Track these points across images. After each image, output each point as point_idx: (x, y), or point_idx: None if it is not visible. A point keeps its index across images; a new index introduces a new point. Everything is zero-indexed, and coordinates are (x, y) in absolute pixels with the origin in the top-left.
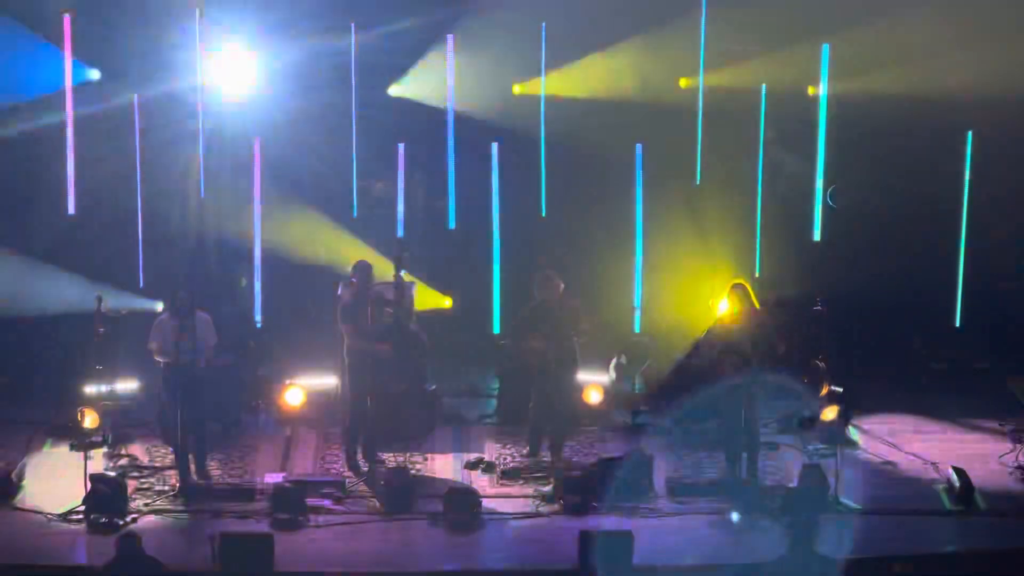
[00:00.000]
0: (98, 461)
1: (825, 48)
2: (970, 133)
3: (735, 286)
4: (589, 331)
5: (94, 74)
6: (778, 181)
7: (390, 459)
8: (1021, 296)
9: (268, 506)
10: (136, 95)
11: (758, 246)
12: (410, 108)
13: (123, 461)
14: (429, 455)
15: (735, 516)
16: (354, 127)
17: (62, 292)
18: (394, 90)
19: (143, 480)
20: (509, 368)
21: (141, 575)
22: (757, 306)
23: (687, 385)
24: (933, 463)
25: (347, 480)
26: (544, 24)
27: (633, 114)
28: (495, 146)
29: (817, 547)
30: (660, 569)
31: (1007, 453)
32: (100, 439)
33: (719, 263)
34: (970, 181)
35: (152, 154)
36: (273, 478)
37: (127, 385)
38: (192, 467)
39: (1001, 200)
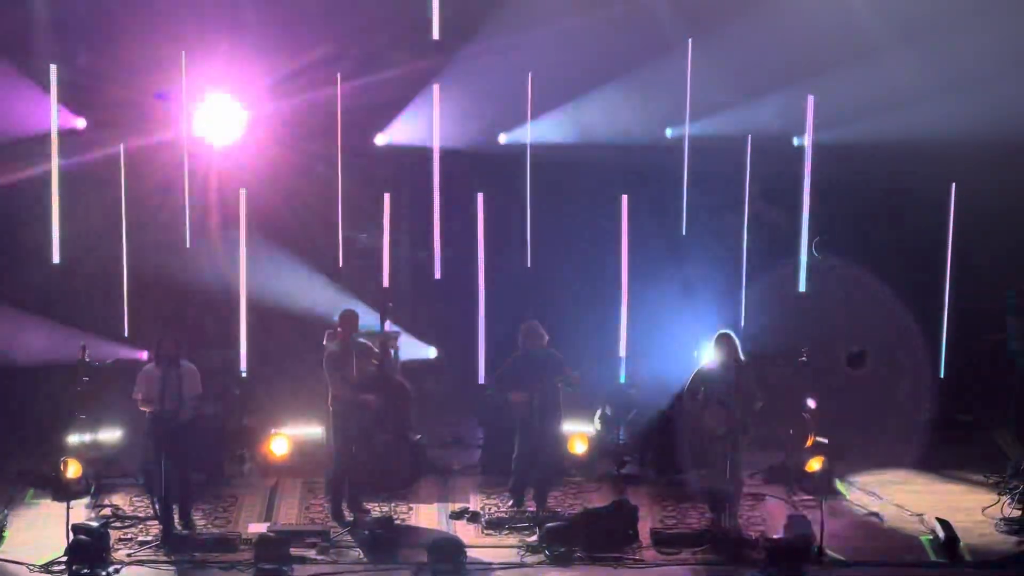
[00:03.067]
0: (80, 511)
1: (810, 99)
2: (954, 184)
3: (720, 336)
4: (576, 381)
5: (80, 123)
6: (762, 233)
7: (375, 509)
8: (1005, 348)
9: (252, 556)
10: (122, 144)
11: (743, 296)
12: (396, 158)
13: (106, 511)
14: (414, 505)
15: None
16: (340, 177)
17: (45, 342)
18: (380, 139)
19: (126, 530)
20: (494, 418)
21: None
22: (741, 357)
23: (672, 436)
24: (918, 514)
25: (331, 530)
26: (530, 74)
27: (619, 164)
28: (480, 196)
29: None
30: None
31: (992, 505)
32: (83, 489)
33: (704, 314)
34: (954, 232)
35: (138, 203)
36: (257, 528)
37: (110, 434)
38: (176, 517)
39: (985, 250)
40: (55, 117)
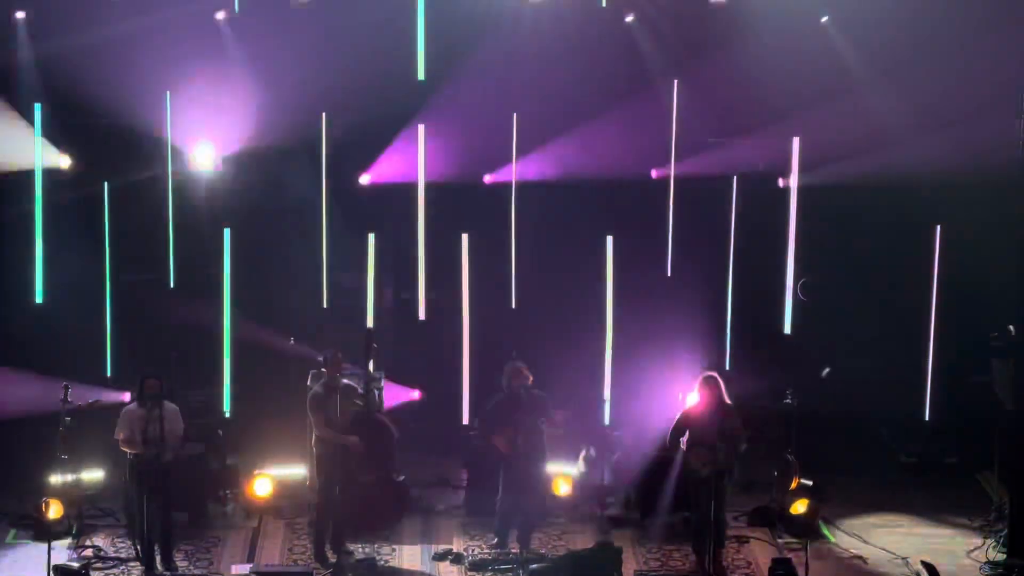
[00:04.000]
0: (62, 552)
1: (795, 141)
2: (939, 227)
3: (706, 378)
4: (560, 423)
5: (64, 161)
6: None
7: (358, 550)
8: (990, 391)
9: None
10: (107, 183)
11: (728, 338)
12: (381, 198)
13: (88, 552)
14: (397, 546)
15: None
16: (324, 216)
17: (28, 394)
18: (365, 179)
19: (108, 571)
20: (478, 459)
21: None
22: (727, 400)
23: (656, 478)
24: (903, 557)
25: (314, 571)
26: (515, 114)
27: (604, 203)
28: (465, 237)
29: None
30: None
31: (976, 548)
32: (64, 530)
33: (689, 355)
34: (939, 274)
35: (122, 243)
36: (240, 569)
37: (93, 475)
38: (158, 558)
39: (970, 293)
40: (39, 155)
